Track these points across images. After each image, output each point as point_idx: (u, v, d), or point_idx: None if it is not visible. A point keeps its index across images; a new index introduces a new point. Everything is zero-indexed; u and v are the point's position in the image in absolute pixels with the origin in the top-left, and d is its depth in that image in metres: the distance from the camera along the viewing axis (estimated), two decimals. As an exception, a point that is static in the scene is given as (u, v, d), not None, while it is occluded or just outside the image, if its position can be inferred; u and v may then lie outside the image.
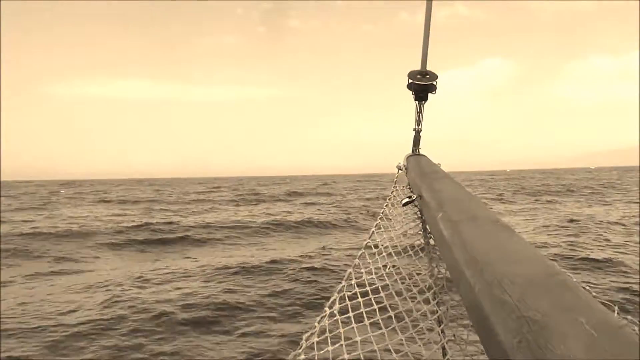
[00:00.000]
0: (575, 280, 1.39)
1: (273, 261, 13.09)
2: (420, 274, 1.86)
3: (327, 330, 1.42)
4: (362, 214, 26.39)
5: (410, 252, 2.01)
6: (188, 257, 15.19)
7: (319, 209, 29.52)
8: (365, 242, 1.91)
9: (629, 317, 1.40)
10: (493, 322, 0.90)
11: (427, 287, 1.78)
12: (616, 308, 1.45)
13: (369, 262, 1.85)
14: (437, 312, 1.63)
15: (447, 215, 1.50)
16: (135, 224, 22.79)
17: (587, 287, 1.45)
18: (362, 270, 1.77)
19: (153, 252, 16.80)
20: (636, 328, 1.31)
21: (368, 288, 1.66)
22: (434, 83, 2.64)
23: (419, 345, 1.45)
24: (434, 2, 2.57)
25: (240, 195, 49.88)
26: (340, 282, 1.63)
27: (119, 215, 28.99)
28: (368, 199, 37.78)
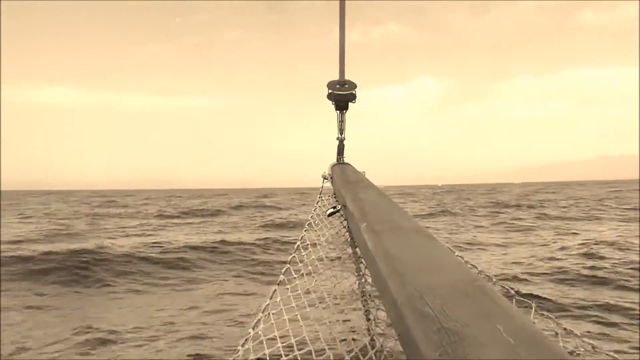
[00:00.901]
0: (495, 283, 1.63)
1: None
2: (349, 286, 1.88)
3: (252, 352, 1.37)
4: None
5: (338, 265, 1.99)
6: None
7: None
8: (291, 257, 1.85)
9: (546, 312, 1.54)
10: (415, 335, 0.90)
11: (355, 300, 1.83)
12: (533, 305, 1.55)
13: (295, 278, 1.78)
14: (366, 325, 1.66)
15: (371, 225, 1.49)
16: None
17: (508, 287, 1.66)
18: (288, 287, 1.72)
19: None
20: (552, 325, 1.48)
21: (294, 304, 1.62)
22: (354, 92, 2.67)
23: None
24: (347, 16, 2.65)
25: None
26: (265, 301, 1.57)
27: None
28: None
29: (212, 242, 16.80)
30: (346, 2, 2.67)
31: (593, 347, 1.40)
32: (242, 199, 60.68)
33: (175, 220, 29.20)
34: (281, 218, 28.08)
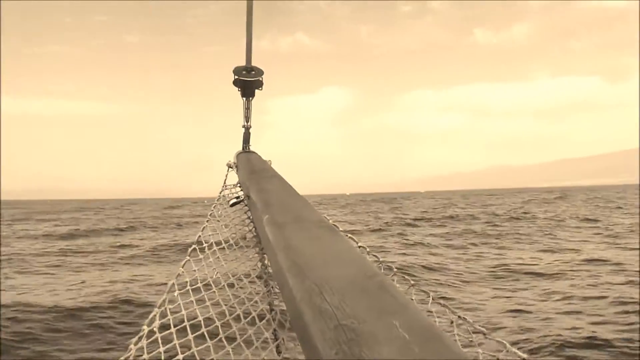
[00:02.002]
0: (396, 273, 1.65)
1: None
2: (252, 280, 1.79)
3: (145, 351, 1.31)
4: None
5: (241, 258, 1.92)
6: None
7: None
8: (191, 248, 1.78)
9: (442, 301, 1.56)
10: (312, 332, 0.88)
11: (258, 294, 1.71)
12: (431, 294, 1.58)
13: (195, 270, 1.71)
14: (270, 322, 1.57)
15: (273, 217, 1.45)
16: None
17: (408, 277, 1.65)
18: (187, 280, 1.65)
19: None
20: (448, 313, 1.51)
21: (193, 298, 1.57)
22: (260, 79, 2.62)
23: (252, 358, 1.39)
24: (255, 17, 2.65)
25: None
26: (161, 296, 1.51)
27: None
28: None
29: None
30: (254, 3, 2.65)
31: (484, 335, 1.43)
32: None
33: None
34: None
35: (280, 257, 1.19)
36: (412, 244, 18.77)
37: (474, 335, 1.46)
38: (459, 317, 1.55)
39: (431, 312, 1.60)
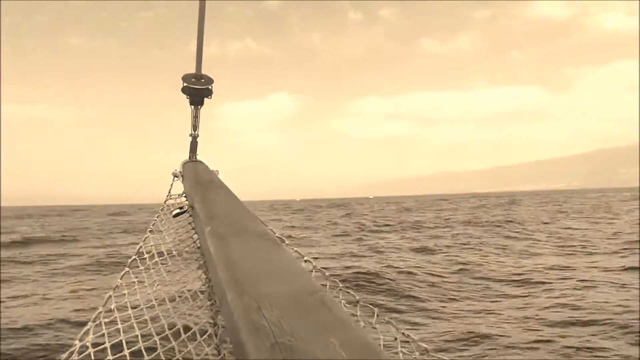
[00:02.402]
0: (342, 289, 1.64)
1: None
2: (194, 294, 1.70)
3: None
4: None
5: (184, 270, 1.83)
6: None
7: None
8: (130, 259, 1.71)
9: (387, 318, 1.56)
10: (249, 350, 0.85)
11: (201, 308, 1.65)
12: (376, 311, 1.57)
13: (134, 282, 1.64)
14: (213, 337, 1.49)
15: (215, 229, 1.41)
16: None
17: (353, 293, 1.62)
18: (125, 292, 1.57)
19: None
20: (393, 330, 1.51)
21: (131, 312, 1.49)
22: (210, 87, 2.58)
23: None
24: (206, 19, 2.58)
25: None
26: (97, 309, 1.45)
27: None
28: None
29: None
30: (207, 3, 2.59)
31: (427, 351, 1.45)
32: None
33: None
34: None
35: (221, 271, 1.14)
36: (377, 249, 18.64)
37: (417, 353, 1.46)
38: (403, 333, 1.54)
39: (375, 328, 1.60)
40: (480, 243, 19.73)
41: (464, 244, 19.56)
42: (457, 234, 23.85)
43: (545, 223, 29.09)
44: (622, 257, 14.83)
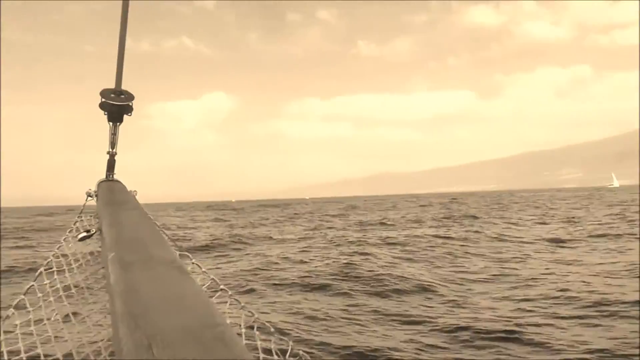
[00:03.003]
0: (257, 319, 1.66)
1: None
2: (98, 324, 1.61)
3: None
4: None
5: (89, 298, 1.74)
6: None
7: None
8: (29, 285, 1.61)
9: (301, 351, 1.59)
10: None
11: (102, 341, 1.56)
12: (290, 344, 1.60)
13: (29, 311, 1.55)
14: None
15: (119, 255, 1.33)
16: None
17: (267, 323, 1.67)
18: (17, 322, 1.48)
19: None
20: None
21: (21, 344, 1.42)
22: (130, 104, 2.52)
23: None
24: (135, 21, 2.59)
25: None
26: None
27: None
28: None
29: None
30: (130, 3, 2.43)
31: None
32: None
33: None
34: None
35: (117, 302, 1.04)
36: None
37: None
38: (292, 348, 1.55)
39: (269, 340, 1.62)
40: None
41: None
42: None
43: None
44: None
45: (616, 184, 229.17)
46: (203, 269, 1.70)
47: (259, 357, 1.53)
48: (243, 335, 1.84)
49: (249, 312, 1.64)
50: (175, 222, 40.46)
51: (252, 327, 1.71)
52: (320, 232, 25.80)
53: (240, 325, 1.88)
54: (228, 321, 1.62)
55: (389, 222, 31.83)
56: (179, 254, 1.62)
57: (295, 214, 50.81)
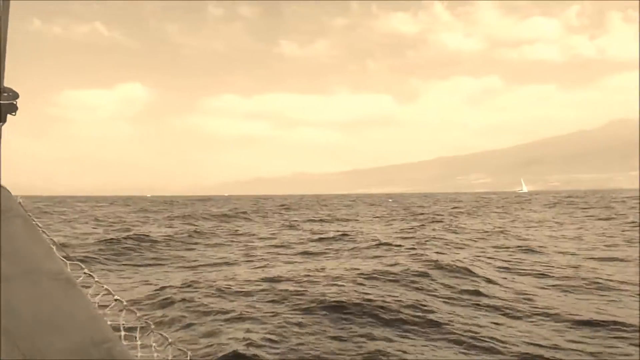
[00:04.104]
0: (153, 330, 1.62)
1: None
2: None
3: None
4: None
5: None
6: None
7: None
8: None
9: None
10: None
11: None
12: (189, 354, 1.54)
13: None
14: None
15: None
16: None
17: (163, 334, 1.63)
18: None
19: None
20: None
21: None
22: (15, 102, 2.20)
23: None
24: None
25: None
26: None
27: None
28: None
29: None
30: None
31: None
32: None
33: None
34: None
35: None
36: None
37: None
38: None
39: None
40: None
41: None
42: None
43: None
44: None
45: (525, 189, 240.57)
46: (96, 279, 1.61)
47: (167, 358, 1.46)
48: (138, 348, 1.84)
49: (145, 322, 1.57)
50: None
51: (148, 338, 1.67)
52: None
53: (136, 337, 1.84)
54: (122, 333, 1.81)
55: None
56: (70, 264, 1.61)
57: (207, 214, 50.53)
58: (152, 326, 1.60)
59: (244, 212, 43.38)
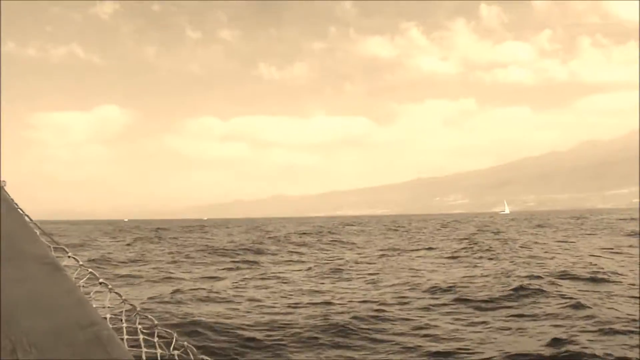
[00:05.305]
0: (138, 312, 1.62)
1: None
2: None
3: None
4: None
5: None
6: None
7: None
8: None
9: (186, 343, 1.53)
10: None
11: None
12: (174, 334, 1.53)
13: None
14: None
15: None
16: None
17: (149, 316, 1.66)
18: None
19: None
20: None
21: None
22: None
23: None
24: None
25: None
26: None
27: None
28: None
29: None
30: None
31: None
32: None
33: None
34: None
35: None
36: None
37: None
38: (202, 359, 1.47)
39: (173, 354, 1.52)
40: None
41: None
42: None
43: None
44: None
45: (507, 210, 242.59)
46: (80, 262, 1.60)
47: (141, 352, 1.50)
48: (124, 330, 1.83)
49: (130, 304, 1.58)
50: None
51: (134, 321, 1.67)
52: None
53: (122, 320, 1.84)
54: (109, 316, 1.81)
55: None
56: (54, 248, 1.61)
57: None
58: (138, 309, 1.60)
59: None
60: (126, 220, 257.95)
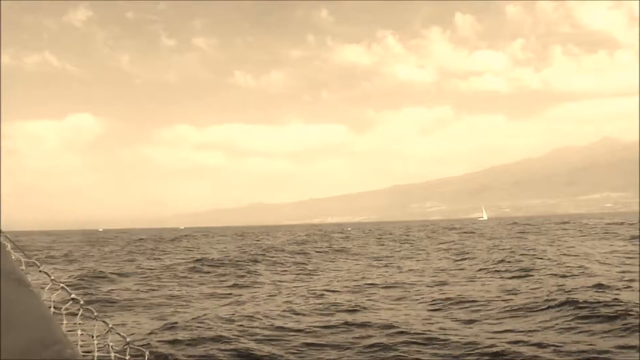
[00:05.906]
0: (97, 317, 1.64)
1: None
2: None
3: None
4: None
5: None
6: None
7: None
8: None
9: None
10: None
11: None
12: (147, 354, 1.57)
13: None
14: None
15: None
16: None
17: (121, 334, 1.71)
18: None
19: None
20: None
21: None
22: None
23: None
24: None
25: None
26: None
27: None
28: None
29: None
30: None
31: None
32: None
33: None
34: None
35: None
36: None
37: None
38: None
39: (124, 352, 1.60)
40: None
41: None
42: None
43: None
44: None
45: (485, 217, 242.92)
46: (52, 277, 1.58)
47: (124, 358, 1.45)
48: (95, 347, 1.79)
49: (103, 321, 1.56)
50: None
51: (105, 337, 1.65)
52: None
53: (92, 336, 1.80)
54: (79, 332, 1.77)
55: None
56: (25, 262, 1.59)
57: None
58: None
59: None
60: (101, 230, 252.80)
